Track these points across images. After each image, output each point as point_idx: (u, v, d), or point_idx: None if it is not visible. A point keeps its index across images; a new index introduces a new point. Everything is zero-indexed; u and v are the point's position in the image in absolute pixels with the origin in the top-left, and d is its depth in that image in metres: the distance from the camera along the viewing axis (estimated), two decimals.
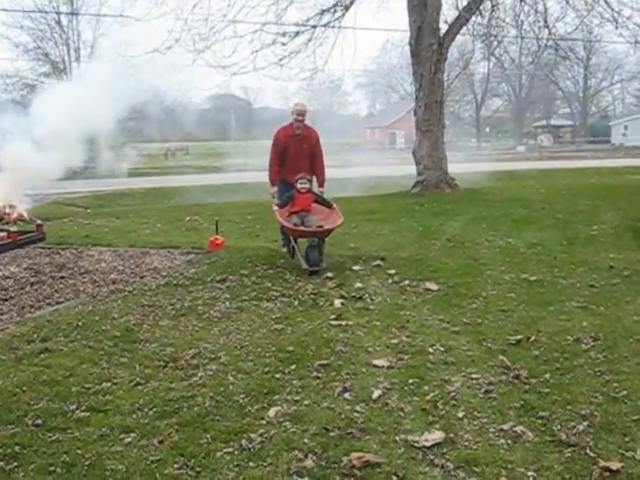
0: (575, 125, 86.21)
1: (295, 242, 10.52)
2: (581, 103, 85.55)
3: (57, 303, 8.57)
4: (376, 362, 6.13)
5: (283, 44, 22.14)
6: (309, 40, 22.41)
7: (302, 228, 10.35)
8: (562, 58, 29.91)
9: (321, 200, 11.07)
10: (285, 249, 11.39)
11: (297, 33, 22.31)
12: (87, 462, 4.39)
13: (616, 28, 22.83)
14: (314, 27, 22.32)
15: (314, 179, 11.41)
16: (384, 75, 71.45)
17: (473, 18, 22.47)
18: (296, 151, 11.16)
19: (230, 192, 23.97)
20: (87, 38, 49.55)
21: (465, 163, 37.11)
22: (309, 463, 4.29)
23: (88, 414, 5.14)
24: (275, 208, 10.80)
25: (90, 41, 49.37)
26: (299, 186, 10.71)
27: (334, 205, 10.98)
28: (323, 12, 22.30)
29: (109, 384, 5.74)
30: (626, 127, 74.00)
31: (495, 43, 26.55)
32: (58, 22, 47.71)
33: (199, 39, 21.37)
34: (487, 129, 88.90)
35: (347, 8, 22.47)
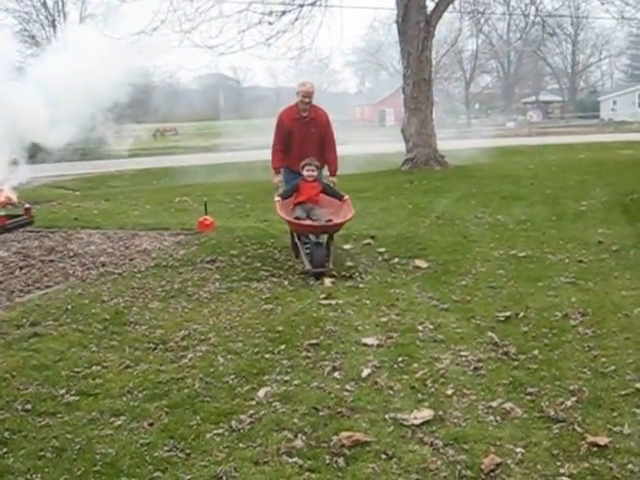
0: (564, 101, 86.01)
1: (298, 239, 9.16)
2: (570, 79, 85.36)
3: (46, 287, 8.54)
4: (366, 341, 6.13)
5: (270, 23, 22.02)
6: (296, 19, 22.30)
7: (308, 222, 9.00)
8: (549, 35, 29.85)
9: (330, 191, 9.63)
10: (297, 256, 9.43)
11: (284, 12, 22.18)
12: (77, 446, 4.38)
13: (602, 4, 22.83)
14: (301, 6, 22.20)
15: (325, 168, 10.05)
16: (373, 53, 71.00)
17: None
18: (303, 136, 9.67)
19: (220, 172, 23.87)
20: (74, 19, 49.15)
21: (454, 140, 37.05)
22: (299, 443, 4.30)
23: (78, 398, 5.14)
24: (276, 199, 9.33)
25: (77, 22, 48.97)
26: (305, 173, 9.33)
27: (345, 197, 9.56)
28: None
29: (99, 367, 5.74)
30: (615, 102, 73.88)
31: (483, 20, 26.48)
32: (44, 4, 47.30)
33: (185, 20, 21.24)
34: (477, 106, 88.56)
35: None
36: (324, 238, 9.23)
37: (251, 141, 43.86)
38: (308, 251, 8.90)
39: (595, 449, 4.12)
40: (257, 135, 49.37)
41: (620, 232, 10.67)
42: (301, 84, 9.81)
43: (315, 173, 9.42)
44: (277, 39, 22.40)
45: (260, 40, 22.40)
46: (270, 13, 22.08)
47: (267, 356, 5.87)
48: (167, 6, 20.99)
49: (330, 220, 9.10)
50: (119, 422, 4.71)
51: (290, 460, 4.10)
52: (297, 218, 8.98)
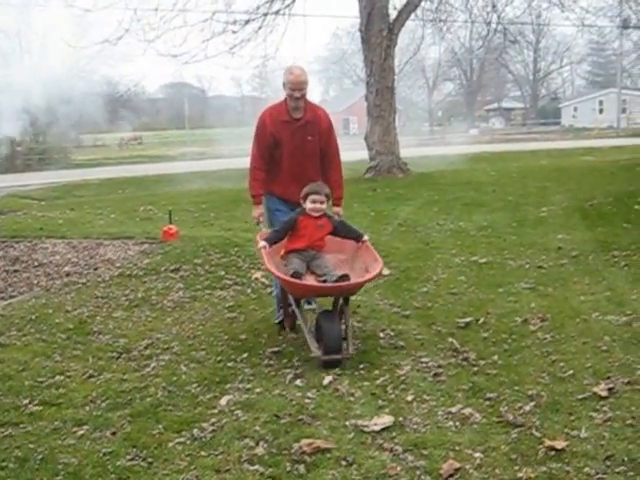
0: (526, 108, 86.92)
1: (297, 305, 6.33)
2: (531, 86, 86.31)
3: (10, 297, 8.47)
4: None
5: (234, 32, 22.00)
6: (259, 28, 22.28)
7: (312, 283, 6.13)
8: (511, 42, 30.15)
9: (344, 230, 6.67)
10: (279, 318, 7.01)
11: (247, 21, 22.17)
12: (40, 456, 4.35)
13: (562, 12, 23.12)
14: (264, 15, 22.20)
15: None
16: (336, 61, 71.30)
17: (422, 4, 22.56)
18: (295, 146, 6.90)
19: (185, 181, 23.79)
20: (38, 30, 48.86)
21: (418, 147, 37.28)
22: (260, 450, 4.30)
23: (41, 408, 5.10)
24: (261, 244, 6.36)
25: (41, 32, 48.70)
26: (310, 206, 6.40)
27: (365, 237, 6.66)
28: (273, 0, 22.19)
29: (62, 377, 5.70)
30: (575, 109, 74.78)
31: (445, 28, 26.68)
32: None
33: (149, 29, 21.12)
34: (439, 113, 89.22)
35: None
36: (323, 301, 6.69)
37: (216, 150, 43.89)
38: (312, 326, 6.26)
39: (552, 453, 4.15)
40: (222, 144, 49.55)
41: (580, 238, 10.78)
42: (288, 71, 6.89)
43: (324, 206, 6.48)
44: (241, 48, 22.37)
45: (224, 49, 22.36)
46: (234, 22, 22.08)
47: (230, 364, 5.87)
48: (131, 15, 20.85)
49: (346, 276, 6.03)
50: (82, 432, 4.68)
51: (251, 468, 4.10)
52: (295, 275, 6.01)
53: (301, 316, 6.25)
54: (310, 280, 6.16)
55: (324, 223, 6.47)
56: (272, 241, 6.41)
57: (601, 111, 69.13)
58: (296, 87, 6.77)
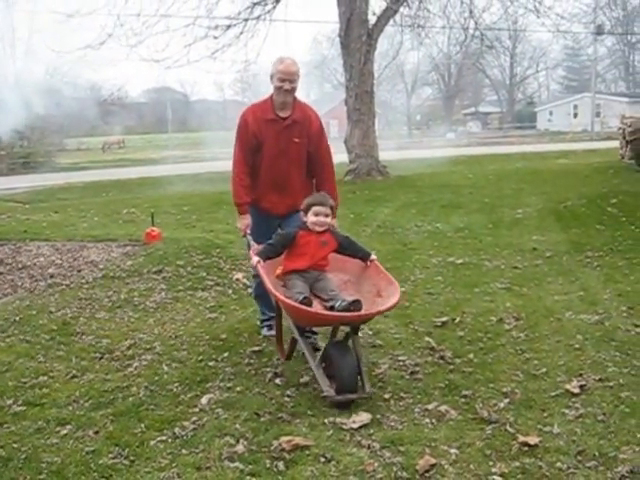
0: (502, 112, 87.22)
1: (301, 334, 5.40)
2: (508, 90, 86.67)
3: None
4: None
5: (215, 37, 21.98)
6: (241, 33, 22.27)
7: (328, 312, 5.22)
8: (488, 47, 30.27)
9: (351, 248, 5.81)
10: (265, 330, 6.61)
11: (229, 26, 22.16)
12: (23, 455, 4.33)
13: (538, 17, 23.26)
14: (245, 20, 22.19)
15: None
16: (317, 66, 71.23)
17: (401, 9, 22.61)
18: (280, 149, 6.14)
19: (167, 184, 23.72)
20: (22, 35, 48.62)
21: (397, 150, 37.28)
22: (240, 448, 4.30)
23: (24, 408, 5.07)
24: (254, 259, 5.58)
25: (25, 38, 48.47)
26: (313, 219, 5.55)
27: (373, 255, 5.87)
28: (254, 5, 22.19)
29: (46, 378, 5.67)
30: (551, 113, 75.10)
31: (423, 34, 26.74)
32: None
33: (132, 34, 21.07)
34: (418, 117, 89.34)
35: (278, 1, 22.39)
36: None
37: (198, 153, 43.80)
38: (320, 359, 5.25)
39: (526, 448, 4.20)
40: (204, 148, 49.45)
41: (554, 239, 10.87)
42: (277, 61, 6.12)
43: (329, 219, 5.63)
44: (222, 53, 22.36)
45: (206, 54, 22.34)
46: (216, 27, 22.06)
47: (211, 364, 5.87)
48: (114, 20, 20.79)
49: (357, 302, 5.12)
50: (65, 431, 4.66)
51: (232, 465, 4.11)
52: (306, 301, 5.11)
53: (307, 347, 5.28)
54: (313, 304, 5.25)
55: (328, 239, 5.57)
56: (266, 256, 5.53)
57: (576, 115, 69.49)
58: (286, 77, 5.98)
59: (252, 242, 6.12)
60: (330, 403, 4.88)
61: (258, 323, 6.81)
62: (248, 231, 6.28)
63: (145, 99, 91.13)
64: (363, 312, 5.06)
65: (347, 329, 5.34)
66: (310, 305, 5.11)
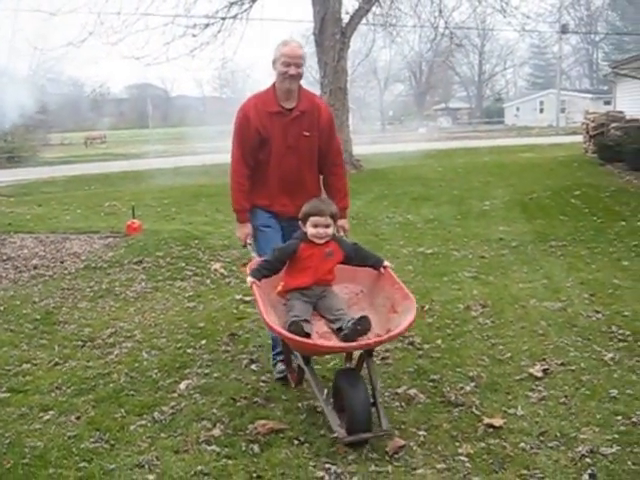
0: (471, 107, 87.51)
1: (306, 362, 4.49)
2: (477, 87, 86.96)
3: None
4: None
5: (193, 36, 21.88)
6: (218, 31, 22.18)
7: (322, 343, 4.34)
8: (457, 45, 30.34)
9: (357, 256, 4.85)
10: (279, 366, 5.28)
11: (207, 25, 22.06)
12: (7, 441, 4.31)
13: (504, 17, 23.35)
14: (223, 19, 22.08)
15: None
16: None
17: (373, 9, 22.61)
18: (287, 145, 5.20)
19: (148, 178, 23.61)
20: (4, 34, 48.16)
21: (370, 145, 37.30)
22: (217, 432, 4.31)
23: (8, 395, 5.06)
24: (249, 279, 4.63)
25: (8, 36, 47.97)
26: (312, 231, 4.65)
27: (385, 262, 4.91)
28: (231, 4, 22.08)
29: (29, 365, 5.65)
30: (518, 108, 75.27)
31: (395, 32, 26.73)
32: None
33: (112, 32, 20.91)
34: (391, 112, 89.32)
35: (254, 0, 22.32)
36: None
37: (178, 148, 43.57)
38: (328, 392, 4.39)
39: (491, 430, 4.24)
40: (184, 143, 49.23)
41: (519, 229, 10.95)
42: (281, 43, 5.19)
43: (330, 230, 4.68)
44: (201, 51, 22.26)
45: (185, 52, 22.23)
46: (194, 26, 21.95)
47: (189, 351, 5.87)
48: (95, 19, 20.62)
49: (364, 320, 4.30)
50: (48, 417, 4.65)
51: (209, 448, 4.11)
52: (295, 329, 4.18)
53: (314, 379, 4.36)
54: (319, 326, 4.48)
55: (333, 250, 4.66)
56: (262, 275, 4.58)
57: (542, 111, 69.70)
58: (292, 60, 5.05)
59: (254, 254, 5.18)
60: (341, 443, 4.08)
61: (270, 357, 5.49)
62: (249, 241, 5.30)
63: (126, 95, 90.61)
64: (372, 339, 4.19)
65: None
66: (301, 331, 4.15)
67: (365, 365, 4.49)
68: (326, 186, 5.45)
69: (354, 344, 4.26)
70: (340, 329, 4.34)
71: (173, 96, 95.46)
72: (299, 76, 5.14)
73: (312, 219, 4.62)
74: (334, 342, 4.33)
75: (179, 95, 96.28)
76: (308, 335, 4.23)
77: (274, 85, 5.23)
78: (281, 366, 5.21)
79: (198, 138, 47.54)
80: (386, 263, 4.84)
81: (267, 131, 5.14)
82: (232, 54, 31.27)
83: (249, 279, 4.57)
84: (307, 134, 5.21)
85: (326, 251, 4.66)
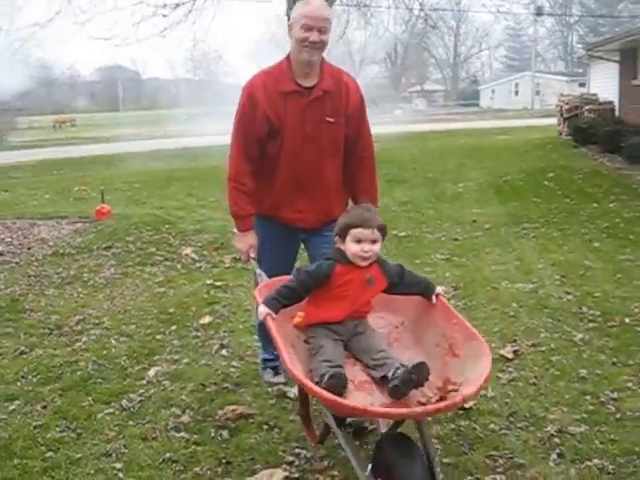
0: (447, 89, 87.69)
1: (339, 424, 3.42)
2: (452, 69, 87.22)
3: None
4: (253, 319, 6.14)
5: (164, 16, 21.62)
6: (189, 11, 21.93)
7: (363, 406, 2.94)
8: (431, 27, 30.33)
9: (403, 283, 3.60)
10: (267, 374, 4.88)
11: (177, 5, 21.81)
12: None
13: None
14: None
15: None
16: (267, 44, 70.80)
17: None
18: (306, 134, 4.18)
19: (119, 162, 23.41)
20: None
21: None
22: (186, 418, 4.30)
23: None
24: (262, 310, 3.40)
25: None
26: (354, 248, 3.41)
27: (438, 288, 3.70)
28: None
29: None
30: (493, 91, 75.44)
31: (369, 14, 26.66)
32: None
33: (80, 12, 20.62)
34: (366, 95, 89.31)
35: None
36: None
37: (150, 131, 43.26)
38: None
39: (461, 412, 4.26)
40: (156, 126, 48.84)
41: (493, 211, 11.01)
42: (302, 2, 4.14)
43: (378, 247, 3.47)
44: (171, 31, 22.00)
45: (155, 32, 21.99)
46: (164, 6, 21.67)
47: (158, 337, 5.85)
48: None
49: (422, 366, 3.07)
50: (13, 406, 4.60)
51: (177, 435, 4.11)
52: (335, 384, 2.99)
53: (350, 447, 3.29)
54: (354, 372, 3.30)
55: (375, 275, 3.49)
56: (281, 305, 3.43)
57: (517, 93, 69.89)
58: (315, 24, 4.01)
59: (260, 273, 4.10)
60: None
61: (258, 362, 5.06)
62: (252, 254, 4.33)
63: (97, 78, 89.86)
64: (442, 404, 2.89)
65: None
66: (344, 387, 3.05)
67: (415, 427, 3.36)
68: (351, 185, 4.41)
69: (421, 410, 2.91)
70: (385, 378, 3.16)
71: (145, 78, 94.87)
72: (323, 45, 4.06)
73: (355, 232, 3.40)
74: (388, 409, 2.99)
75: (151, 77, 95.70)
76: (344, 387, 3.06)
77: (289, 57, 4.17)
78: (271, 377, 4.76)
79: (171, 121, 47.23)
80: (438, 289, 3.66)
81: (279, 117, 4.10)
82: (204, 34, 30.84)
83: (262, 309, 3.38)
84: (331, 120, 4.16)
85: (367, 277, 3.46)
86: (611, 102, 21.63)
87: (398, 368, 3.12)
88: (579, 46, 68.17)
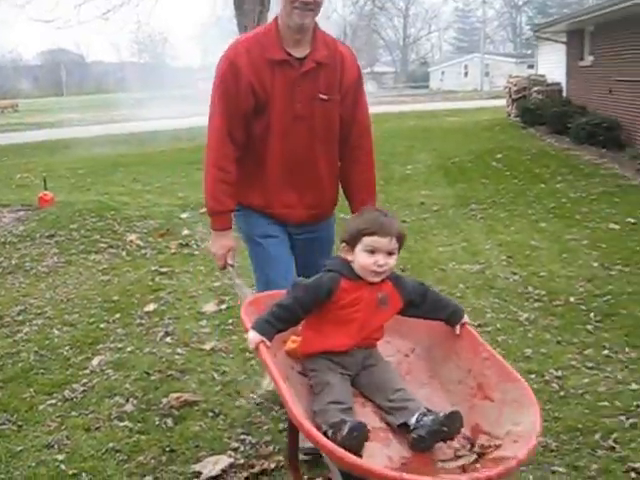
0: (396, 71, 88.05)
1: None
2: (402, 51, 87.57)
3: None
4: (199, 305, 6.15)
5: None
6: None
7: (405, 477, 2.09)
8: (379, 9, 30.45)
9: (424, 304, 2.91)
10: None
11: None
12: None
13: None
14: None
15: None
16: (213, 27, 70.18)
17: None
18: (296, 113, 3.52)
19: (63, 147, 23.07)
20: None
21: None
22: (129, 407, 4.26)
23: None
24: (252, 336, 2.68)
25: None
26: (366, 261, 2.74)
27: (464, 315, 2.95)
28: None
29: None
30: (443, 73, 75.93)
31: None
32: None
33: None
34: None
35: None
36: None
37: (95, 116, 42.67)
38: None
39: None
40: (101, 111, 48.24)
41: (441, 193, 11.10)
42: None
43: (393, 261, 2.78)
44: (114, 13, 21.68)
45: (97, 14, 21.65)
46: None
47: (102, 325, 5.77)
48: None
49: (456, 415, 2.50)
50: None
51: (121, 424, 4.07)
52: (354, 442, 2.34)
53: None
54: (363, 414, 2.65)
55: (389, 293, 2.83)
56: (277, 328, 2.75)
57: (466, 75, 70.46)
58: None
59: (240, 284, 3.66)
60: None
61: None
62: (230, 260, 3.68)
63: (39, 61, 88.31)
64: (494, 472, 2.20)
65: None
66: (364, 441, 2.43)
67: None
68: (343, 181, 3.81)
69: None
70: (405, 425, 2.56)
71: (89, 62, 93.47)
72: (316, 6, 3.47)
73: (368, 240, 2.75)
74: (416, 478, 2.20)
75: (95, 61, 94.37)
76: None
77: (276, 21, 3.57)
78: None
79: (117, 106, 46.65)
80: (465, 318, 2.96)
81: (265, 88, 3.46)
82: (147, 16, 30.50)
83: (253, 336, 2.68)
84: (325, 97, 3.53)
85: (379, 296, 2.80)
86: (559, 83, 21.90)
87: (423, 414, 2.52)
88: (527, 27, 68.81)
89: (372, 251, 2.73)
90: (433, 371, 2.98)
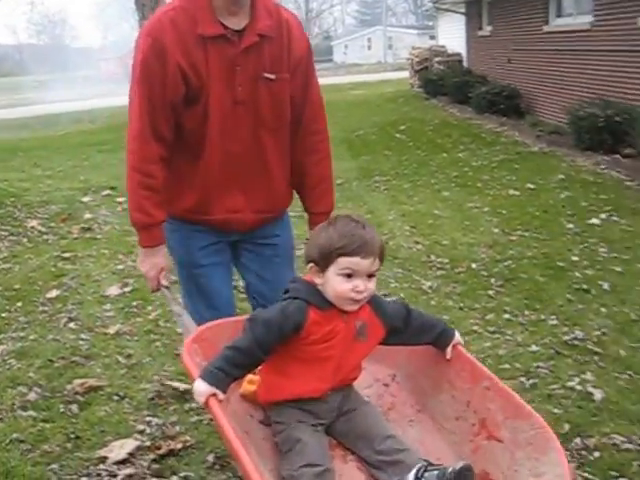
0: None
1: None
2: (305, 25, 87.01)
3: None
4: (102, 289, 6.07)
5: None
6: None
7: None
8: None
9: (408, 329, 2.43)
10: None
11: None
12: None
13: None
14: None
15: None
16: (110, 4, 68.87)
17: None
18: (237, 98, 2.78)
19: None
20: None
21: None
22: (33, 396, 4.17)
23: None
24: (201, 389, 2.07)
25: None
26: (342, 287, 2.19)
27: (457, 336, 2.49)
28: None
29: None
30: (346, 46, 76.22)
31: None
32: None
33: None
34: None
35: None
36: None
37: None
38: None
39: None
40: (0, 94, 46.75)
41: (345, 166, 11.13)
42: None
43: (373, 284, 2.23)
44: None
45: None
46: None
47: (3, 315, 5.62)
48: None
49: (467, 470, 1.99)
50: None
51: (24, 414, 3.98)
52: None
53: None
54: (344, 470, 2.22)
55: (368, 321, 2.33)
56: (233, 376, 2.17)
57: (370, 48, 70.88)
58: None
59: (180, 312, 2.88)
60: None
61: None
62: (164, 282, 2.98)
63: None
64: None
65: None
66: None
67: None
68: (297, 170, 3.11)
69: None
70: None
71: None
72: None
73: (345, 262, 2.20)
74: None
75: None
76: None
77: None
78: None
79: (18, 89, 45.31)
80: (457, 337, 2.52)
81: (198, 71, 2.74)
82: None
83: (201, 388, 2.10)
84: (271, 76, 2.83)
85: (357, 325, 2.29)
86: (459, 54, 22.26)
87: (424, 469, 2.05)
88: None
89: (349, 275, 2.20)
90: (421, 404, 2.49)
